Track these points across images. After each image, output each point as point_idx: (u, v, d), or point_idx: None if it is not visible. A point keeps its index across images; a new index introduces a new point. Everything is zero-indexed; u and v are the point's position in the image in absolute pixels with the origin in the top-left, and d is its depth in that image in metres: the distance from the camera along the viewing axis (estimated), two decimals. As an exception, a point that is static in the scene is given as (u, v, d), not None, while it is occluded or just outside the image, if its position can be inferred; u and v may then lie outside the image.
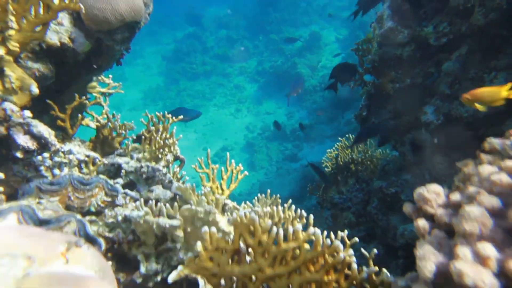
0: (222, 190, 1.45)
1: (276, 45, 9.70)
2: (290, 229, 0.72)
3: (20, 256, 0.61)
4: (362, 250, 0.95)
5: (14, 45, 0.99)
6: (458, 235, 0.57)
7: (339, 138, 3.17)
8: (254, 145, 7.14)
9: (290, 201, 1.17)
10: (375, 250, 0.90)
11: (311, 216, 0.92)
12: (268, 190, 1.45)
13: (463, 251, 0.53)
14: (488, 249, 0.52)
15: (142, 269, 1.04)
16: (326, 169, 3.03)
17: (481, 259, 0.52)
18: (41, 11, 1.06)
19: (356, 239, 0.87)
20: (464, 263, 0.52)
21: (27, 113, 1.09)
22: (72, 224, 0.82)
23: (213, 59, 10.01)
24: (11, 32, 0.97)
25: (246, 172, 1.47)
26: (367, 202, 2.82)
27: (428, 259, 0.56)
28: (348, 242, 0.84)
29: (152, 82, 9.63)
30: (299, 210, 1.07)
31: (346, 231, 0.88)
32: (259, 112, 8.26)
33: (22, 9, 0.98)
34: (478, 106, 1.50)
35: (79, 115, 1.42)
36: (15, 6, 0.96)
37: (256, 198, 1.42)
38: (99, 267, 0.72)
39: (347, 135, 3.20)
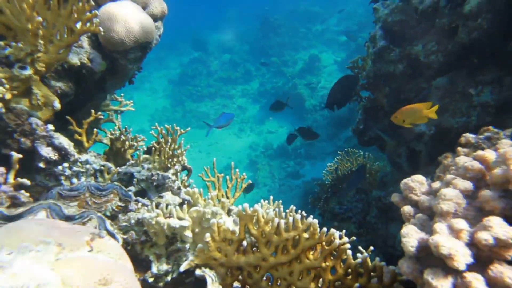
0: (228, 197, 1.53)
1: (277, 67, 10.00)
2: (290, 219, 0.80)
3: (52, 243, 0.70)
4: (360, 247, 1.02)
5: (41, 66, 1.12)
6: (436, 214, 0.65)
7: (339, 152, 3.29)
8: (257, 163, 7.26)
9: (292, 206, 1.25)
10: (371, 247, 0.97)
11: (311, 216, 1.00)
12: (271, 197, 1.52)
13: (440, 226, 0.61)
14: (461, 224, 0.60)
15: (154, 269, 1.11)
16: (326, 182, 3.12)
17: (455, 233, 0.60)
18: (65, 34, 1.19)
19: (354, 237, 0.95)
20: (441, 236, 0.60)
21: (50, 126, 1.20)
22: (93, 220, 0.90)
23: (217, 82, 10.32)
24: (40, 54, 1.10)
25: (250, 181, 1.55)
26: (367, 212, 2.88)
27: (411, 236, 0.64)
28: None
29: (159, 104, 9.88)
30: (299, 211, 1.15)
31: (344, 231, 0.95)
32: (261, 132, 8.43)
33: (50, 34, 1.11)
34: (405, 124, 1.56)
35: (94, 130, 1.52)
36: (44, 31, 1.09)
37: (259, 203, 1.50)
38: (118, 255, 0.81)
39: (345, 149, 3.32)
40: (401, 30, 2.38)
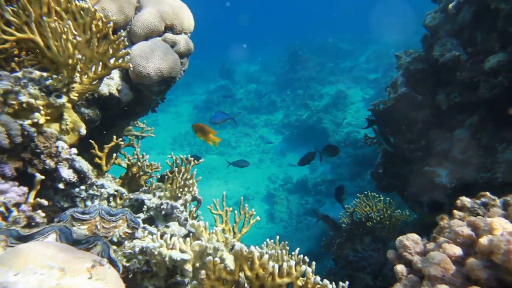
0: (234, 233, 1.54)
1: (302, 100, 10.12)
2: (285, 264, 0.81)
3: (56, 268, 0.75)
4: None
5: (74, 95, 1.23)
6: (425, 277, 0.65)
7: (358, 195, 3.18)
8: (275, 196, 7.15)
9: (297, 249, 1.24)
10: None
11: (313, 263, 0.99)
12: (277, 236, 1.52)
13: (426, 292, 0.61)
14: (446, 291, 0.59)
15: (151, 300, 1.12)
16: (343, 225, 3.02)
17: (441, 300, 0.59)
18: (99, 68, 1.31)
19: None
20: (426, 303, 0.59)
21: (74, 150, 1.30)
22: (98, 246, 0.95)
23: (240, 110, 10.54)
24: (75, 85, 1.21)
25: (258, 217, 1.55)
26: (383, 264, 2.75)
27: (398, 299, 0.63)
28: None
29: (182, 128, 10.18)
30: (301, 255, 1.14)
31: (347, 283, 0.94)
32: (281, 164, 8.40)
33: (86, 68, 1.23)
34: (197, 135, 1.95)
35: (114, 154, 1.61)
36: (82, 65, 1.21)
37: (264, 243, 1.49)
38: (115, 285, 0.84)
39: (365, 192, 3.20)
40: (423, 79, 2.40)
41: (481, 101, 2.09)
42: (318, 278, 0.82)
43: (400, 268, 0.72)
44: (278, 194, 7.23)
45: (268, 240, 1.52)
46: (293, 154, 8.59)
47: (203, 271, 0.88)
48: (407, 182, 2.52)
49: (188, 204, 1.56)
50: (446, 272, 0.62)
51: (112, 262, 0.99)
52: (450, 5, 2.28)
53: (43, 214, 1.01)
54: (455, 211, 0.75)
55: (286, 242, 1.53)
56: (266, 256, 0.82)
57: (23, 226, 0.94)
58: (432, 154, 2.34)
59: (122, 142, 1.74)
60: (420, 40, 2.56)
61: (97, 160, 1.51)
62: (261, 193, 7.46)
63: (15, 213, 0.89)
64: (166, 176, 1.59)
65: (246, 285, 0.87)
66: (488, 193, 0.79)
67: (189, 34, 1.91)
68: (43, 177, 1.06)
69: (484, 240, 0.59)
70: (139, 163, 1.61)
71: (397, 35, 11.74)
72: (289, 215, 6.74)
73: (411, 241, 0.74)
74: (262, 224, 6.53)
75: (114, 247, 1.20)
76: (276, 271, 0.82)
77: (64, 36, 1.17)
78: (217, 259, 0.88)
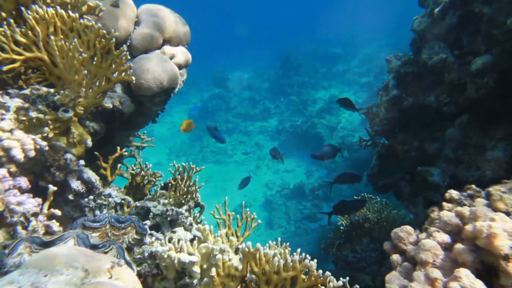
0: (237, 236, 1.60)
1: (296, 106, 10.23)
2: (289, 259, 0.87)
3: (80, 269, 0.80)
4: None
5: (80, 109, 1.29)
6: (418, 263, 0.71)
7: (355, 197, 3.26)
8: (273, 203, 7.19)
9: (299, 249, 1.30)
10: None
11: (315, 260, 1.05)
12: (279, 239, 1.57)
13: (418, 275, 0.67)
14: (436, 273, 0.66)
15: (162, 302, 1.17)
16: (341, 227, 3.09)
17: (430, 281, 0.66)
18: (103, 82, 1.37)
19: (357, 286, 0.99)
20: (418, 284, 0.66)
21: (81, 161, 1.35)
22: (113, 250, 1.00)
23: (235, 118, 10.63)
24: (80, 99, 1.27)
25: (259, 221, 1.61)
26: (382, 263, 2.81)
27: (393, 282, 0.69)
28: (348, 287, 0.96)
29: (178, 138, 10.20)
30: (303, 254, 1.20)
31: (347, 278, 0.99)
32: (278, 170, 8.44)
33: (91, 82, 1.29)
34: None
35: (118, 165, 1.67)
36: (87, 81, 1.27)
37: (267, 245, 1.55)
38: (133, 284, 0.90)
39: (362, 194, 3.28)
40: (413, 81, 2.49)
41: (469, 102, 2.18)
42: (320, 271, 0.88)
43: (396, 257, 0.78)
44: (275, 200, 7.27)
45: (270, 242, 1.58)
46: (288, 160, 8.65)
47: (213, 269, 0.94)
48: (402, 183, 2.59)
49: (192, 209, 1.61)
50: (436, 257, 0.68)
51: (128, 264, 1.04)
52: (436, 10, 2.39)
53: (58, 223, 1.06)
54: (444, 203, 0.82)
55: (288, 243, 1.59)
56: (271, 252, 0.88)
57: (42, 235, 0.99)
58: (425, 154, 2.43)
59: (126, 153, 1.79)
60: (409, 44, 2.66)
61: (102, 171, 1.56)
62: (259, 200, 7.50)
63: (34, 222, 0.95)
64: (170, 184, 1.64)
65: (253, 280, 0.92)
66: (473, 186, 0.86)
67: (186, 46, 1.98)
68: (55, 188, 1.11)
69: (469, 227, 0.65)
70: (142, 173, 1.66)
71: (387, 38, 11.97)
72: (287, 221, 6.77)
73: (405, 232, 0.81)
74: (261, 231, 6.55)
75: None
76: (282, 266, 0.88)
77: (70, 54, 1.24)
78: (226, 257, 0.94)
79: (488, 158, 2.13)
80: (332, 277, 0.86)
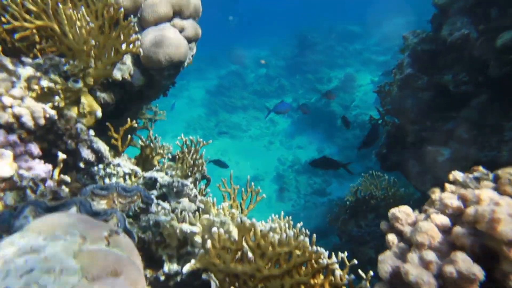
0: (242, 209, 1.63)
1: (311, 84, 10.08)
2: (284, 235, 0.89)
3: (77, 235, 0.84)
4: (359, 271, 1.07)
5: (90, 80, 1.30)
6: (413, 245, 0.71)
7: (362, 174, 3.26)
8: (284, 177, 7.31)
9: (299, 224, 1.32)
10: (371, 272, 1.02)
11: (314, 235, 1.07)
12: (282, 212, 1.60)
13: (412, 256, 0.67)
14: (430, 255, 0.66)
15: (165, 268, 1.23)
16: (347, 202, 3.12)
17: (425, 264, 0.66)
18: (112, 54, 1.38)
19: (355, 260, 1.00)
20: (411, 265, 0.66)
21: (92, 132, 1.39)
22: (115, 218, 1.04)
23: (251, 95, 10.60)
24: (90, 70, 1.29)
25: (264, 195, 1.63)
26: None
27: (386, 262, 0.70)
28: (347, 263, 0.98)
29: (194, 112, 10.30)
30: (303, 229, 1.22)
31: (355, 261, 0.99)
32: (291, 146, 8.50)
33: (100, 53, 1.30)
34: None
35: (129, 136, 1.70)
36: (96, 51, 1.28)
37: (270, 218, 1.58)
38: (130, 252, 0.93)
39: (370, 172, 3.27)
40: (430, 59, 2.39)
41: (489, 81, 2.09)
42: (314, 247, 0.89)
43: (391, 237, 0.79)
44: (287, 174, 7.39)
45: (273, 215, 1.60)
46: (301, 137, 8.68)
47: (209, 241, 0.97)
48: (410, 162, 2.56)
49: (198, 182, 1.64)
50: (433, 240, 0.68)
51: (128, 232, 1.09)
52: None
53: (67, 189, 1.11)
54: (447, 185, 0.81)
55: (290, 217, 1.61)
56: (267, 227, 0.90)
57: (50, 199, 1.03)
58: (436, 134, 2.37)
59: (136, 125, 1.82)
60: (429, 20, 2.53)
61: (113, 141, 1.60)
62: (271, 174, 7.62)
63: (42, 187, 0.99)
64: (177, 156, 1.67)
65: (249, 253, 0.95)
66: (480, 167, 0.83)
67: (197, 19, 1.95)
68: (64, 156, 1.15)
69: (470, 210, 0.64)
70: (152, 145, 1.70)
71: (408, 15, 11.41)
72: (297, 194, 6.91)
73: (403, 213, 0.81)
74: (272, 203, 6.73)
75: (131, 220, 1.30)
76: (276, 241, 0.90)
77: (78, 23, 1.24)
78: (222, 230, 0.97)
79: (506, 139, 2.06)
80: (326, 253, 0.88)
